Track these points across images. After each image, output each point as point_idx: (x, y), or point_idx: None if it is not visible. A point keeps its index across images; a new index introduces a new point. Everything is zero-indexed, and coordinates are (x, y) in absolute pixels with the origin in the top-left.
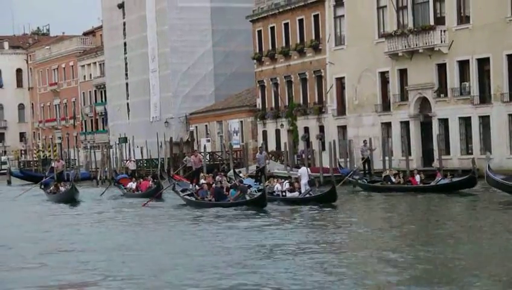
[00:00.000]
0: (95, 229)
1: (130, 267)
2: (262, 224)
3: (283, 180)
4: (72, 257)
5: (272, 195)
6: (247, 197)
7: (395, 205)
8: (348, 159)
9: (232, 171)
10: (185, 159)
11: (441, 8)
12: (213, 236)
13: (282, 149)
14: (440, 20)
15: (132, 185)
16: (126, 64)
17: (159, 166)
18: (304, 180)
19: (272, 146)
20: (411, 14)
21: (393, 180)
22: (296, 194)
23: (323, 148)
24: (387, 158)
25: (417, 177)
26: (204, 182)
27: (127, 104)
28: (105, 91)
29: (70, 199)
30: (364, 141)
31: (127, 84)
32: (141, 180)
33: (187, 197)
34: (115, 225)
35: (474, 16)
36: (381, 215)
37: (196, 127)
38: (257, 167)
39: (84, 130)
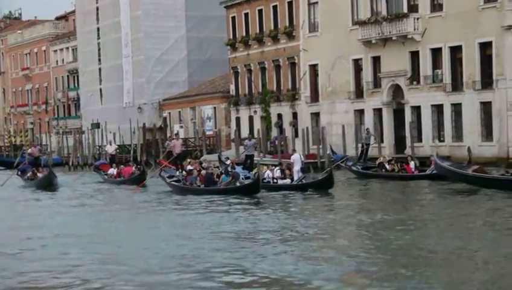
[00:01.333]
0: (88, 218)
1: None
2: (254, 211)
3: (273, 167)
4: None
5: (263, 182)
6: (238, 184)
7: (386, 192)
8: (321, 146)
9: (205, 157)
10: (166, 143)
11: None
12: (200, 222)
13: (256, 136)
14: (413, 8)
15: (113, 171)
16: (99, 49)
17: (131, 152)
18: (297, 167)
19: (245, 133)
20: (385, 1)
21: (388, 167)
22: (287, 181)
23: (297, 135)
24: (359, 145)
25: (411, 164)
26: (191, 168)
27: (100, 89)
28: (77, 76)
29: (49, 185)
30: (367, 129)
31: (99, 69)
32: (122, 166)
33: (174, 183)
34: (101, 211)
35: (447, 4)
36: (372, 203)
37: (169, 113)
38: (246, 155)
39: (56, 116)
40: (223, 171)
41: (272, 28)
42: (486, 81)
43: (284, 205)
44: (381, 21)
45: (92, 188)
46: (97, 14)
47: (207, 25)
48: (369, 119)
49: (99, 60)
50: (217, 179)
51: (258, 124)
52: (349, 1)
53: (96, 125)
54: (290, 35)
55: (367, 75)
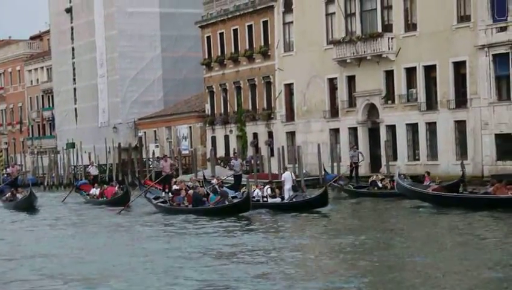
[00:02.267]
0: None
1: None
2: (241, 230)
3: (263, 185)
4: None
5: (252, 201)
6: (227, 203)
7: (376, 211)
8: (297, 165)
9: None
10: (153, 164)
11: (388, 15)
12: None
13: (231, 155)
14: (388, 28)
15: (95, 191)
16: (74, 69)
17: (107, 171)
18: (288, 186)
19: (221, 152)
20: (359, 21)
21: (380, 185)
22: (278, 199)
23: (272, 154)
24: (335, 164)
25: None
26: (177, 187)
27: (75, 109)
28: (52, 96)
29: (29, 206)
30: (353, 147)
31: (74, 89)
32: (105, 186)
33: (160, 204)
34: (90, 234)
35: (421, 24)
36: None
37: (145, 132)
38: (234, 175)
39: (31, 136)
40: (210, 191)
41: (247, 47)
42: (460, 100)
43: (273, 225)
44: (356, 41)
45: (73, 209)
46: (72, 33)
47: (182, 45)
48: (344, 138)
49: (74, 79)
50: (205, 199)
51: (233, 143)
52: (323, 21)
53: (72, 145)
54: (265, 54)
55: (342, 94)
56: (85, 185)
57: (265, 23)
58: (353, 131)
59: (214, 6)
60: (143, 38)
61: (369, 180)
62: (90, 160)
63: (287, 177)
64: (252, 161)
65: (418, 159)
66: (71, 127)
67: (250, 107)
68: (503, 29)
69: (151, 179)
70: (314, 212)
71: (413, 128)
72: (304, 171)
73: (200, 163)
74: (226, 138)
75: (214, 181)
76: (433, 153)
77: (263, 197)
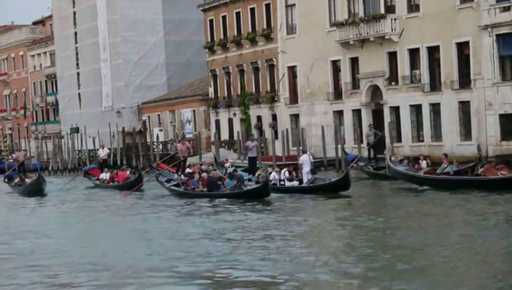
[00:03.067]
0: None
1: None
2: (265, 215)
3: (279, 168)
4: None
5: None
6: (244, 187)
7: (398, 193)
8: (301, 147)
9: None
10: (169, 147)
11: None
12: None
13: (235, 138)
14: (390, 9)
15: (105, 175)
16: (77, 53)
17: (111, 156)
18: (306, 169)
19: (224, 135)
20: (362, 2)
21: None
22: (295, 183)
23: (276, 137)
24: (339, 146)
25: (423, 164)
26: (190, 171)
27: (79, 94)
28: (56, 81)
29: (38, 190)
30: (370, 125)
31: (78, 74)
32: (116, 171)
33: (173, 187)
34: (103, 217)
35: (424, 5)
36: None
37: (149, 116)
38: (249, 157)
39: (35, 121)
40: (225, 175)
41: (250, 30)
42: (464, 80)
43: (296, 208)
44: (359, 22)
45: (82, 193)
46: (74, 18)
47: (185, 28)
48: (348, 120)
49: (77, 64)
50: (220, 183)
51: (237, 127)
52: (326, 3)
53: (76, 130)
54: (268, 37)
55: (345, 76)
56: (93, 169)
57: (267, 5)
58: (357, 113)
59: None
60: (145, 22)
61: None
62: (100, 143)
63: (305, 160)
64: (246, 143)
65: (422, 141)
66: (75, 112)
67: (253, 90)
68: (506, 9)
69: (165, 162)
70: (335, 195)
71: (417, 109)
72: (308, 153)
73: (204, 146)
74: (230, 121)
75: (228, 164)
76: (437, 134)
77: (280, 180)
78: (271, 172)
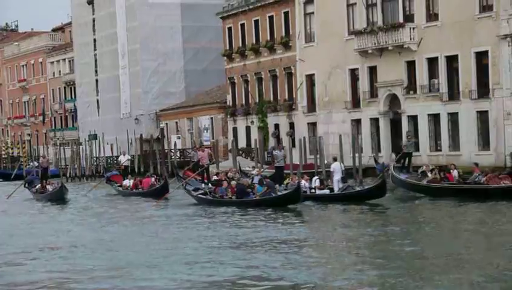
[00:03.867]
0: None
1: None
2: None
3: (309, 176)
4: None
5: None
6: (274, 195)
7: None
8: (318, 156)
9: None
10: (191, 154)
11: (410, 5)
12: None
13: (253, 146)
14: (409, 18)
15: (128, 182)
16: (96, 60)
17: (128, 163)
18: (337, 177)
19: (242, 143)
20: (380, 11)
21: (429, 176)
22: (326, 191)
23: (294, 145)
24: (357, 155)
25: (454, 173)
26: (216, 178)
27: (97, 100)
28: (74, 88)
29: (60, 198)
30: (408, 132)
31: (96, 80)
32: (139, 177)
33: (201, 196)
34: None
35: (443, 14)
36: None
37: (166, 124)
38: (276, 167)
39: (53, 127)
40: (256, 182)
41: (268, 38)
42: (483, 90)
43: (335, 217)
44: (377, 31)
45: (107, 200)
46: (93, 25)
47: (203, 36)
48: (366, 129)
49: (96, 71)
50: (249, 190)
51: (255, 134)
52: (345, 11)
53: (94, 137)
54: (287, 45)
55: (363, 84)
56: (116, 176)
57: (286, 14)
58: (375, 122)
59: None
60: (164, 29)
61: (419, 171)
62: (121, 150)
63: (336, 168)
64: (274, 152)
65: (440, 150)
66: (93, 119)
67: (271, 98)
68: None
69: (189, 170)
70: (367, 203)
71: (435, 118)
72: (326, 162)
73: (222, 154)
74: (248, 129)
75: (255, 172)
76: (455, 144)
77: (311, 188)
78: (301, 181)
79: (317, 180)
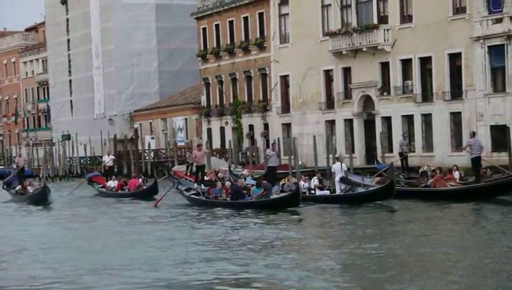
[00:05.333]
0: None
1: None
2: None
3: (308, 176)
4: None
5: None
6: (271, 197)
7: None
8: (293, 157)
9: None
10: (187, 154)
11: (384, 7)
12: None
13: (227, 147)
14: (383, 19)
15: (112, 183)
16: (69, 61)
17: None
18: (338, 177)
19: (216, 144)
20: (355, 12)
21: (430, 175)
22: (326, 192)
23: (268, 146)
24: (331, 156)
25: (456, 174)
26: (207, 178)
27: (71, 101)
28: (48, 88)
29: (42, 200)
30: (404, 134)
31: (70, 81)
32: (122, 179)
33: (194, 196)
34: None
35: (417, 16)
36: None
37: (140, 124)
38: (268, 167)
39: (26, 128)
40: (252, 184)
41: (243, 39)
42: (456, 91)
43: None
44: (352, 32)
45: (92, 202)
46: (67, 25)
47: (178, 36)
48: (340, 130)
49: (70, 71)
50: (245, 192)
51: (229, 135)
52: (319, 12)
53: (67, 137)
54: (261, 46)
55: (338, 86)
56: (97, 177)
57: (261, 14)
58: (349, 123)
59: None
60: (138, 30)
61: (420, 171)
62: (108, 150)
63: (338, 169)
64: (248, 153)
65: (414, 151)
66: (67, 119)
67: (246, 99)
68: (498, 20)
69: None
70: (376, 205)
71: (408, 120)
72: (300, 162)
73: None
74: (222, 129)
75: (245, 172)
76: (428, 145)
77: (310, 189)
78: (298, 181)
79: (316, 179)
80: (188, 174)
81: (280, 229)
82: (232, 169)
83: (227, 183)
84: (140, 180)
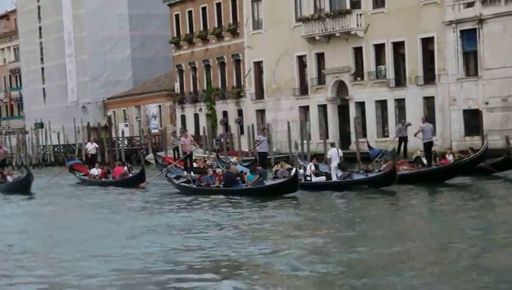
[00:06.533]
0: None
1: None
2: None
3: (303, 162)
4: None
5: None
6: (265, 183)
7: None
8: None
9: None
10: (172, 140)
11: None
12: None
13: (201, 133)
14: (356, 4)
15: (96, 171)
16: (42, 48)
17: (76, 151)
18: (335, 163)
19: (190, 130)
20: None
21: (424, 161)
22: (322, 178)
23: (242, 132)
24: (305, 141)
25: (449, 157)
26: (195, 165)
27: (43, 89)
28: (20, 76)
29: (25, 188)
30: (402, 121)
31: (42, 68)
32: (105, 167)
33: (185, 184)
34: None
35: (389, 0)
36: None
37: (114, 112)
38: (259, 152)
39: None
40: (250, 170)
41: (216, 25)
42: (429, 76)
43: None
44: (325, 18)
45: (76, 190)
46: (39, 13)
47: (150, 23)
48: (314, 115)
49: (42, 59)
50: (238, 178)
51: (203, 122)
52: None
53: (40, 125)
54: (234, 32)
55: (311, 71)
56: (78, 165)
57: (233, 1)
58: (322, 108)
59: None
60: (111, 17)
61: (413, 157)
62: (89, 138)
63: (334, 155)
64: (222, 139)
65: (387, 136)
66: (39, 107)
67: (219, 86)
68: (470, 5)
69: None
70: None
71: (382, 104)
72: (274, 149)
73: (170, 142)
74: (196, 116)
75: (233, 159)
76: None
77: (306, 176)
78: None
79: (312, 165)
80: (176, 159)
81: (276, 214)
82: (221, 157)
83: (219, 170)
84: (125, 168)
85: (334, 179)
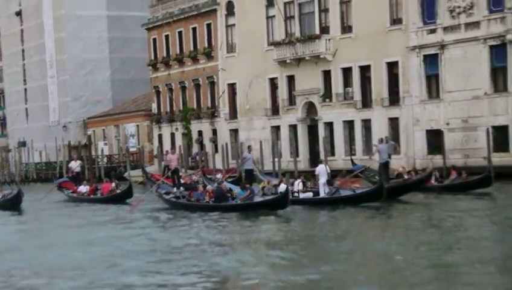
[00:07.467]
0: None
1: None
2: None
3: (293, 179)
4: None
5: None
6: (256, 199)
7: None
8: (240, 160)
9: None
10: (164, 158)
11: (325, 18)
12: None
13: (177, 152)
14: (325, 30)
15: (84, 188)
16: (24, 70)
17: (57, 169)
18: (323, 180)
19: (167, 149)
20: (298, 23)
21: (406, 177)
22: (309, 194)
23: (217, 151)
24: (276, 160)
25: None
26: (183, 182)
27: (26, 109)
28: (3, 96)
29: (15, 205)
30: (384, 138)
31: (25, 89)
32: (94, 184)
33: (174, 199)
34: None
35: (357, 26)
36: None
37: (94, 131)
38: (246, 170)
39: None
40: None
41: (192, 48)
42: (394, 98)
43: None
44: (295, 42)
45: (68, 208)
46: (22, 36)
47: (129, 46)
48: (285, 135)
49: (25, 80)
50: (229, 195)
51: (179, 141)
52: (264, 23)
53: (23, 144)
54: (209, 55)
55: (282, 93)
56: (66, 182)
57: (208, 25)
58: (293, 128)
59: (159, 9)
60: (91, 40)
61: (395, 173)
62: (73, 156)
63: (322, 171)
64: (197, 158)
65: (354, 154)
66: (22, 126)
67: (195, 106)
68: (432, 31)
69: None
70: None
71: (349, 125)
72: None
73: (147, 159)
74: (172, 135)
75: (219, 176)
76: (368, 148)
77: (293, 192)
78: (278, 183)
79: (300, 182)
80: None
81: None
82: (206, 174)
83: (209, 187)
84: (113, 184)
85: (322, 195)
